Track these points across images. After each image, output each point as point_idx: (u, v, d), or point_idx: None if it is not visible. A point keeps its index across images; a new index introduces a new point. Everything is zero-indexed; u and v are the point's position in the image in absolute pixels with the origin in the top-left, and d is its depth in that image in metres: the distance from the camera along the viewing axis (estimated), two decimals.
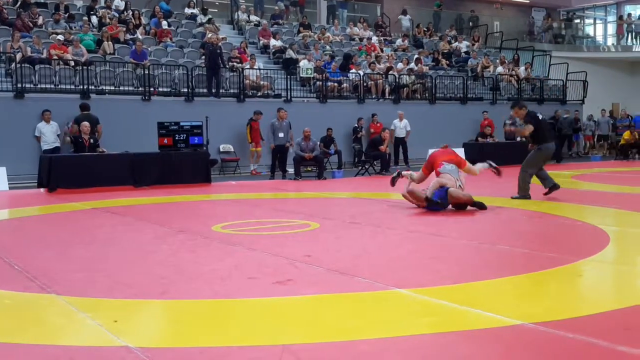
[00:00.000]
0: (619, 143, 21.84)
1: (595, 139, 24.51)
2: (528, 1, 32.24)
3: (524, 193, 10.11)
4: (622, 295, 4.65)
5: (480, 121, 20.50)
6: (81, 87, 15.76)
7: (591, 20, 33.53)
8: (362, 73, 20.09)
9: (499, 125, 20.45)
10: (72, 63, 16.03)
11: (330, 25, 24.65)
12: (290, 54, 20.15)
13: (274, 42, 20.95)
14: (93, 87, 16.02)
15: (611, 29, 32.57)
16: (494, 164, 9.86)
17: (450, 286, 4.80)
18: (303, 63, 19.42)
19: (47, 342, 3.72)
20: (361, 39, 24.03)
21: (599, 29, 33.38)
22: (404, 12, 26.97)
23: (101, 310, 4.30)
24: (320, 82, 19.15)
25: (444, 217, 8.46)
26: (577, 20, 33.40)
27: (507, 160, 18.59)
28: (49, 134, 14.52)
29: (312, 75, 19.33)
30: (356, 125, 18.72)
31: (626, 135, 21.25)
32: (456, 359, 3.39)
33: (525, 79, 23.95)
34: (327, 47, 22.00)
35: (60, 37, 16.63)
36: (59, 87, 15.71)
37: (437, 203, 8.82)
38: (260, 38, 21.44)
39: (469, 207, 8.92)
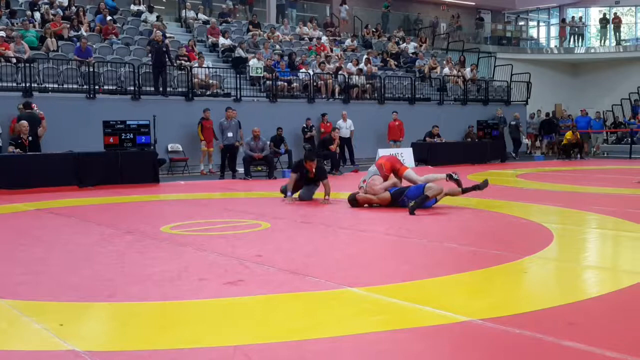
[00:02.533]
0: (561, 143, 22.41)
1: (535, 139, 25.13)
2: (474, 3, 32.83)
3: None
4: (566, 291, 4.77)
5: (431, 122, 20.54)
6: (23, 84, 15.33)
7: (534, 23, 34.36)
8: (311, 73, 20.11)
9: (444, 126, 20.66)
10: (14, 60, 15.57)
11: (279, 25, 24.60)
12: (239, 52, 20.02)
13: (222, 41, 20.78)
14: (36, 85, 15.59)
15: (554, 31, 33.44)
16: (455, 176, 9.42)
17: (400, 284, 4.85)
18: (253, 62, 19.31)
19: None
20: (310, 39, 24.07)
21: (542, 32, 34.21)
22: (344, 2, 27.14)
23: (46, 313, 4.19)
24: (270, 82, 19.09)
25: (394, 217, 8.53)
26: (522, 23, 34.17)
27: (453, 160, 19.08)
28: None
29: (261, 75, 19.24)
30: (304, 125, 18.65)
31: (568, 135, 21.82)
32: (407, 356, 3.43)
33: (471, 80, 24.37)
34: (277, 47, 21.95)
35: (2, 33, 16.13)
36: (0, 84, 15.24)
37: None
38: (209, 36, 21.24)
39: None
